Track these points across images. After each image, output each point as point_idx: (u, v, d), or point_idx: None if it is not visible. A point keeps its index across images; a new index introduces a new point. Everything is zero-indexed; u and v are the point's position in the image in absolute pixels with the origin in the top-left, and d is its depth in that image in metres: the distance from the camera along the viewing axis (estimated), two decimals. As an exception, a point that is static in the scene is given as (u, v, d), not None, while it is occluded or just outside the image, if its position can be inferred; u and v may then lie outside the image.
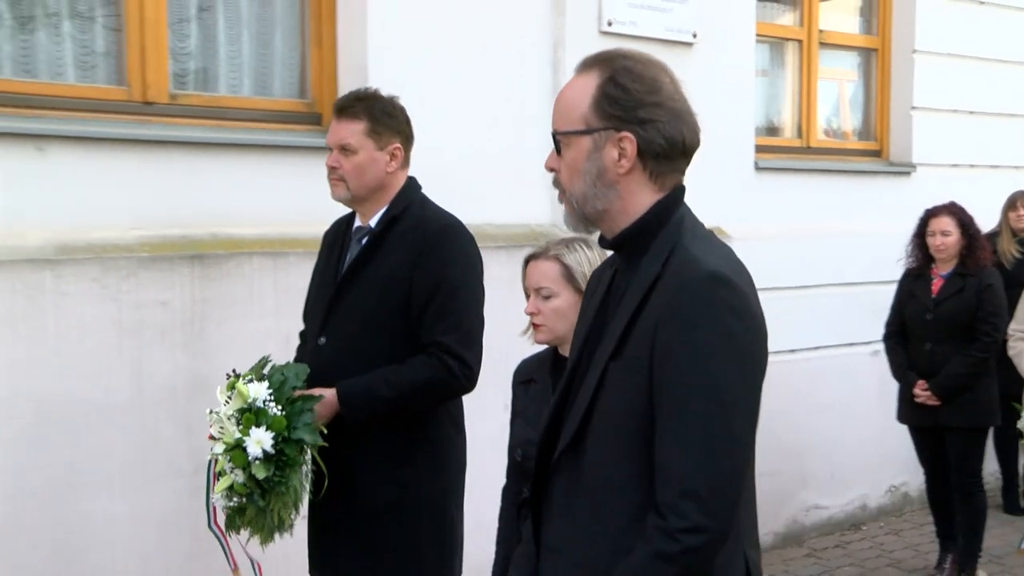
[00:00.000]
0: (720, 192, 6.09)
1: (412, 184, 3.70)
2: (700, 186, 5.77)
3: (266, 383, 3.27)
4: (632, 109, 2.21)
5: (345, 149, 3.50)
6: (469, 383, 3.47)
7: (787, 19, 7.18)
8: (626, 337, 2.18)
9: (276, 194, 4.59)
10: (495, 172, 5.29)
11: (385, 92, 3.96)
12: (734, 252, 2.28)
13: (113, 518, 4.05)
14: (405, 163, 3.67)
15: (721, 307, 2.11)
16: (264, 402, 3.21)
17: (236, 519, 3.34)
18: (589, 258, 3.04)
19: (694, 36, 5.95)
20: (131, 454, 4.10)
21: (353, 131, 3.51)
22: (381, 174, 3.55)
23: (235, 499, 3.27)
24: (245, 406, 3.21)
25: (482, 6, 5.21)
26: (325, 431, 3.30)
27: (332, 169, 3.53)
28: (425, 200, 3.72)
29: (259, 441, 3.13)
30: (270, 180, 4.58)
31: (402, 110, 3.68)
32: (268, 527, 3.27)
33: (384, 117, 3.57)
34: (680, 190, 2.31)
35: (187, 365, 4.26)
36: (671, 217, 2.27)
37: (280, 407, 3.23)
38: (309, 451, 3.27)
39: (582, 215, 2.29)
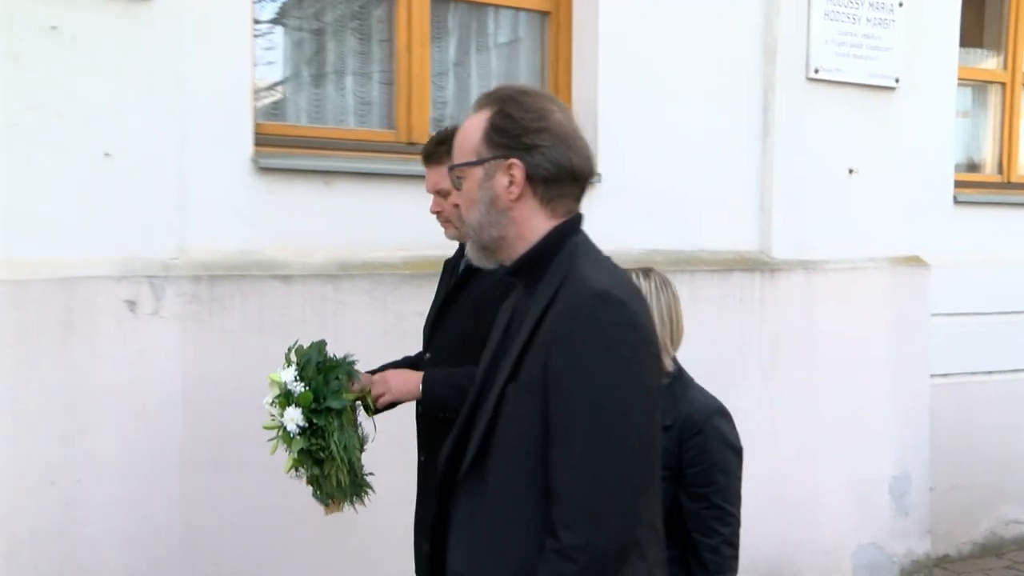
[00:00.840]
0: (921, 224, 6.07)
1: None
2: (902, 218, 5.85)
3: (292, 366, 3.21)
4: (518, 136, 2.12)
5: (440, 193, 3.37)
6: None
7: (991, 63, 7.04)
8: (521, 359, 2.07)
9: None
10: (708, 203, 5.36)
11: (582, 129, 4.10)
12: (626, 275, 2.19)
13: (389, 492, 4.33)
14: None
15: (605, 325, 1.99)
16: (292, 382, 3.15)
17: (317, 493, 3.27)
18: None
19: (897, 81, 5.88)
20: (394, 439, 4.35)
21: (443, 174, 3.21)
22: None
23: (303, 473, 3.20)
24: (280, 392, 3.16)
25: (701, 56, 5.29)
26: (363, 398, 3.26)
27: (437, 214, 3.43)
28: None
29: (292, 419, 3.09)
30: None
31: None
32: (339, 494, 3.22)
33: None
34: (576, 217, 2.20)
35: None
36: (566, 242, 2.15)
37: (305, 384, 3.16)
38: (343, 416, 3.18)
39: (480, 244, 2.21)
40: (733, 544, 2.72)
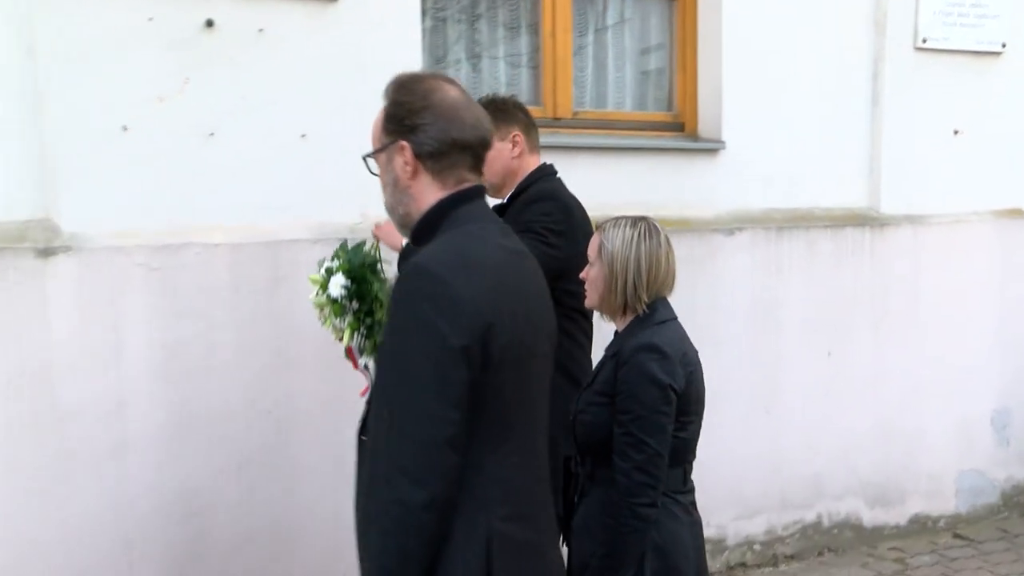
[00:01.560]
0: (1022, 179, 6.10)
1: (544, 168, 3.55)
2: (1004, 174, 5.88)
3: (324, 263, 3.26)
4: (403, 119, 2.11)
5: None
6: None
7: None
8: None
9: (650, 184, 4.90)
10: (821, 166, 5.47)
11: (708, 101, 4.39)
12: (477, 247, 2.06)
13: None
14: (531, 149, 3.53)
15: (416, 295, 1.97)
16: (326, 266, 3.23)
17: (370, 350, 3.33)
18: (624, 236, 2.85)
19: (1003, 46, 5.88)
20: None
21: None
22: (507, 160, 3.46)
23: (360, 339, 3.27)
24: (320, 280, 3.23)
25: (815, 31, 5.38)
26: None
27: None
28: (554, 180, 3.54)
29: (336, 284, 3.16)
30: (645, 174, 4.90)
31: (515, 104, 3.55)
32: None
33: (497, 112, 3.37)
34: (465, 189, 2.14)
35: None
36: (451, 213, 2.12)
37: (335, 258, 3.26)
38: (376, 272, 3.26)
39: (397, 223, 2.23)
40: (646, 471, 2.60)
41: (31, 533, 3.63)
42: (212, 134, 3.92)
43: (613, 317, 2.86)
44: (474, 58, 4.89)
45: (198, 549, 3.95)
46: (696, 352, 2.87)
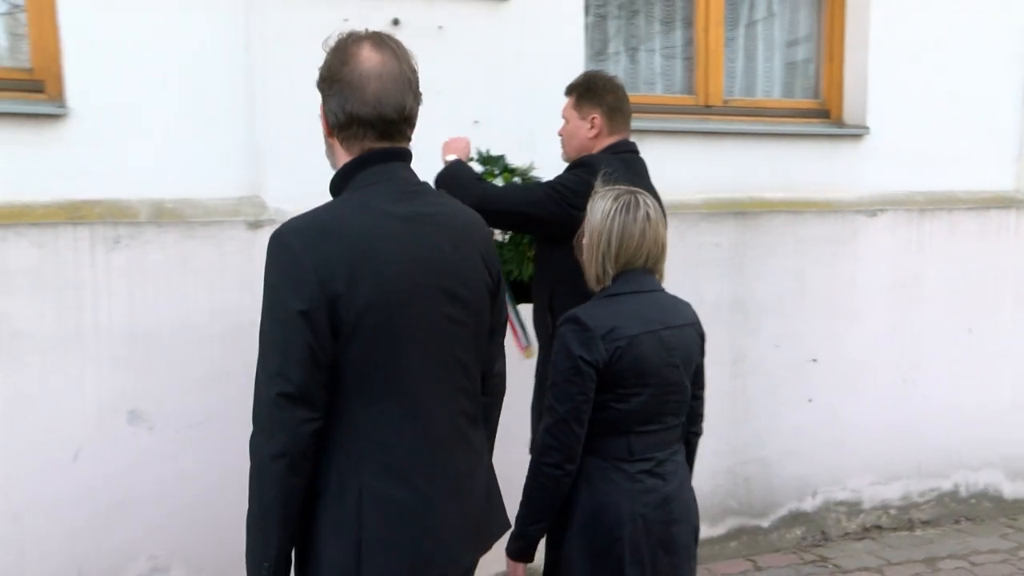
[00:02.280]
0: None
1: (612, 147, 3.36)
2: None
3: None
4: (321, 88, 2.08)
5: (563, 119, 3.45)
6: None
7: None
8: None
9: (795, 169, 4.86)
10: (966, 150, 5.32)
11: (853, 89, 4.29)
12: (345, 214, 1.99)
13: None
14: (611, 131, 3.37)
15: (270, 260, 1.94)
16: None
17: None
18: (603, 208, 2.60)
19: None
20: None
21: (567, 105, 3.43)
22: (584, 138, 3.38)
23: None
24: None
25: (960, 21, 5.22)
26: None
27: (560, 136, 3.47)
28: (609, 157, 3.28)
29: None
30: (792, 159, 4.86)
31: (607, 87, 3.38)
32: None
33: (586, 92, 3.37)
34: (367, 154, 2.04)
35: (730, 288, 4.70)
36: (353, 177, 2.05)
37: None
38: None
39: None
40: (552, 435, 2.47)
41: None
42: (395, 120, 4.04)
43: (592, 286, 2.64)
44: (631, 50, 4.91)
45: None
46: (658, 327, 2.54)
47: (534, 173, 3.61)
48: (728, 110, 4.91)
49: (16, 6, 3.76)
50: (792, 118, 5.06)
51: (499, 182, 3.46)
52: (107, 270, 3.64)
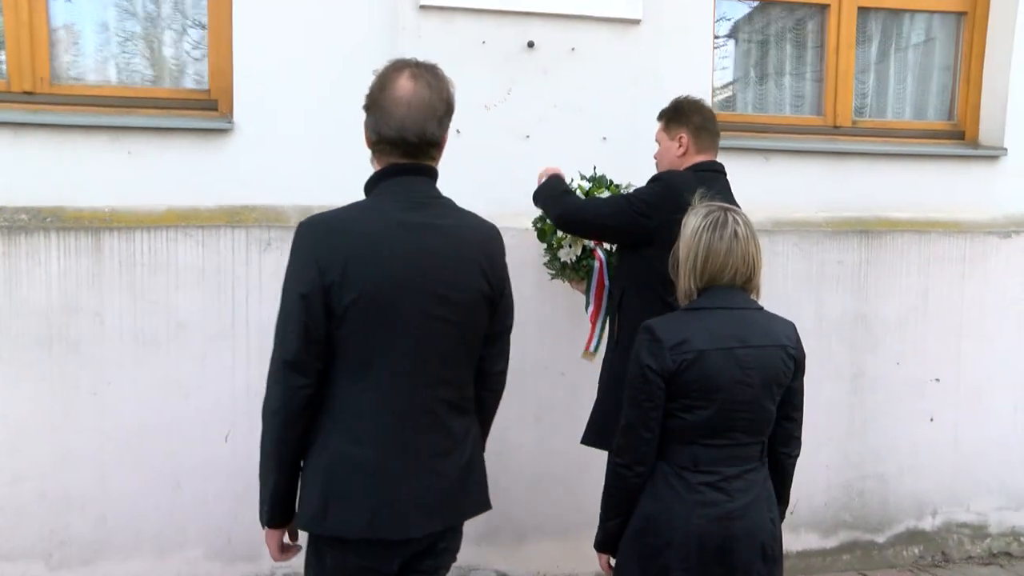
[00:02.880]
0: None
1: (696, 165, 3.27)
2: None
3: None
4: (364, 108, 2.24)
5: (656, 143, 3.44)
6: None
7: None
8: None
9: (923, 189, 4.63)
10: None
11: (991, 110, 4.13)
12: (356, 216, 2.17)
13: None
14: (698, 150, 3.29)
15: (292, 245, 2.16)
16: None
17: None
18: (693, 224, 2.53)
19: None
20: (812, 360, 4.19)
21: (658, 129, 3.43)
22: (672, 157, 3.33)
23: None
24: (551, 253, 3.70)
25: None
26: None
27: (655, 160, 3.47)
28: (691, 174, 3.20)
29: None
30: (920, 179, 4.63)
31: (693, 108, 3.32)
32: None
33: (674, 115, 3.35)
34: (388, 167, 2.22)
35: (852, 305, 4.50)
36: (377, 185, 2.23)
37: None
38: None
39: None
40: (624, 436, 2.46)
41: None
42: (528, 136, 4.08)
43: (680, 301, 2.57)
44: (761, 72, 4.78)
45: (503, 483, 4.15)
46: (734, 345, 2.42)
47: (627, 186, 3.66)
48: (857, 131, 4.71)
49: (199, 24, 3.98)
50: (923, 139, 4.81)
51: (606, 195, 3.52)
52: (259, 270, 3.81)
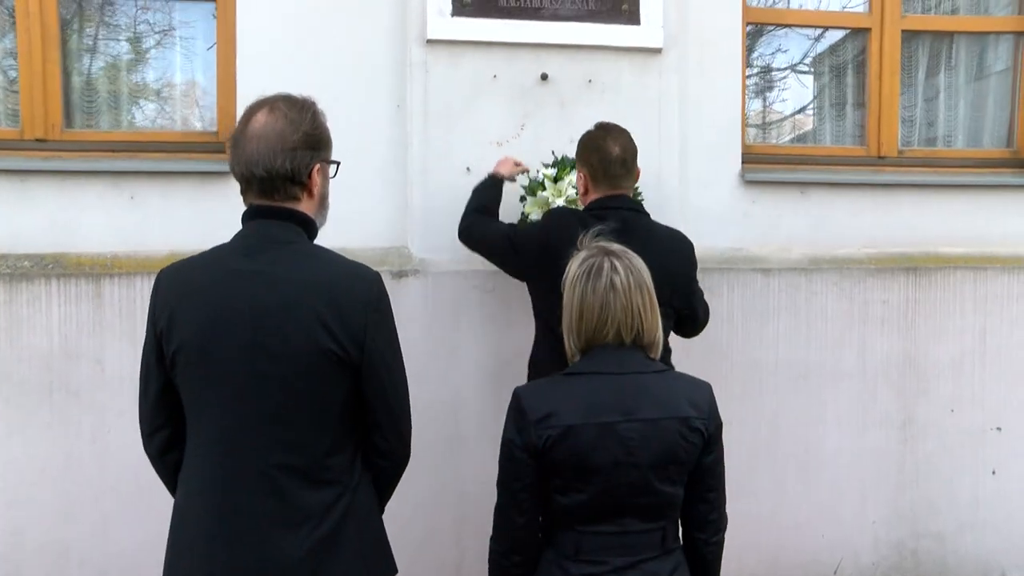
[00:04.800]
0: None
1: (590, 204, 3.02)
2: None
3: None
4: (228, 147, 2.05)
5: None
6: None
7: None
8: None
9: (978, 222, 4.17)
10: None
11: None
12: (197, 264, 2.02)
13: (839, 450, 4.02)
14: (595, 187, 2.99)
15: None
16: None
17: None
18: (572, 271, 2.15)
19: None
20: (855, 405, 4.03)
21: None
22: (583, 199, 3.08)
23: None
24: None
25: None
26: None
27: None
28: (565, 212, 3.09)
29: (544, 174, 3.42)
30: (974, 211, 4.17)
31: (586, 144, 3.03)
32: None
33: (577, 152, 3.10)
34: (247, 209, 2.03)
35: (900, 347, 4.06)
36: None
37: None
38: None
39: None
40: (496, 516, 2.14)
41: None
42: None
43: (569, 361, 2.16)
44: (798, 100, 4.42)
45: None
46: (615, 418, 2.02)
47: None
48: (903, 161, 4.24)
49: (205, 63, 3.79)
50: (976, 168, 4.30)
51: (573, 177, 3.33)
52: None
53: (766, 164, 4.06)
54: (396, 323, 2.09)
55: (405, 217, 3.72)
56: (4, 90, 3.73)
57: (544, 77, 3.73)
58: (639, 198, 3.47)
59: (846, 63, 4.36)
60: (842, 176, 4.10)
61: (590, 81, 3.79)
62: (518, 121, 3.74)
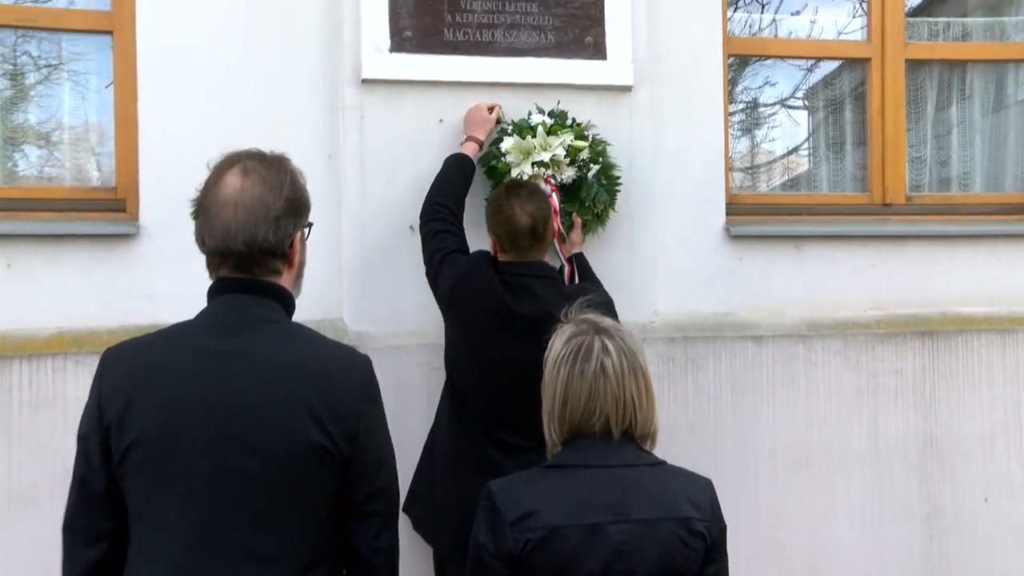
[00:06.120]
0: None
1: (501, 268, 2.92)
2: None
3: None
4: (191, 214, 1.85)
5: None
6: None
7: None
8: None
9: (1002, 277, 3.79)
10: None
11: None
12: (155, 345, 1.80)
13: (853, 547, 3.59)
14: (503, 251, 2.87)
15: None
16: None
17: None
18: (555, 350, 1.95)
19: None
20: (870, 494, 3.61)
21: None
22: None
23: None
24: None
25: None
26: None
27: None
28: (482, 263, 2.96)
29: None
30: (997, 265, 3.79)
31: (490, 209, 2.95)
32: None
33: (487, 218, 3.05)
34: (214, 283, 1.83)
35: (918, 425, 3.64)
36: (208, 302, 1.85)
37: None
38: None
39: None
40: None
41: None
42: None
43: (548, 452, 1.97)
44: (789, 142, 4.11)
45: None
46: (604, 519, 1.80)
47: (594, 131, 3.29)
48: (912, 208, 3.86)
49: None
50: (998, 215, 3.91)
51: (568, 137, 3.18)
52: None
53: (754, 215, 3.69)
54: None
55: (339, 284, 3.31)
56: None
57: (498, 121, 3.34)
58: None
59: (844, 96, 4.07)
60: (842, 227, 3.75)
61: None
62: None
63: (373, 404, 1.84)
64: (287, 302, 1.88)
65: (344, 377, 1.82)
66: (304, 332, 1.87)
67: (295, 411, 1.74)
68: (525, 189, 2.88)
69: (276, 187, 1.82)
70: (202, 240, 1.81)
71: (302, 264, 1.93)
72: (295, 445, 1.74)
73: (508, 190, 2.89)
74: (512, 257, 2.84)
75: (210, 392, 1.73)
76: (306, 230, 1.91)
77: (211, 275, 1.85)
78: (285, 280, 1.87)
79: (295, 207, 1.85)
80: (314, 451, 1.75)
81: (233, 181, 1.80)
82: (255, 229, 1.78)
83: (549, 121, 3.21)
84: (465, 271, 2.84)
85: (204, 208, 1.81)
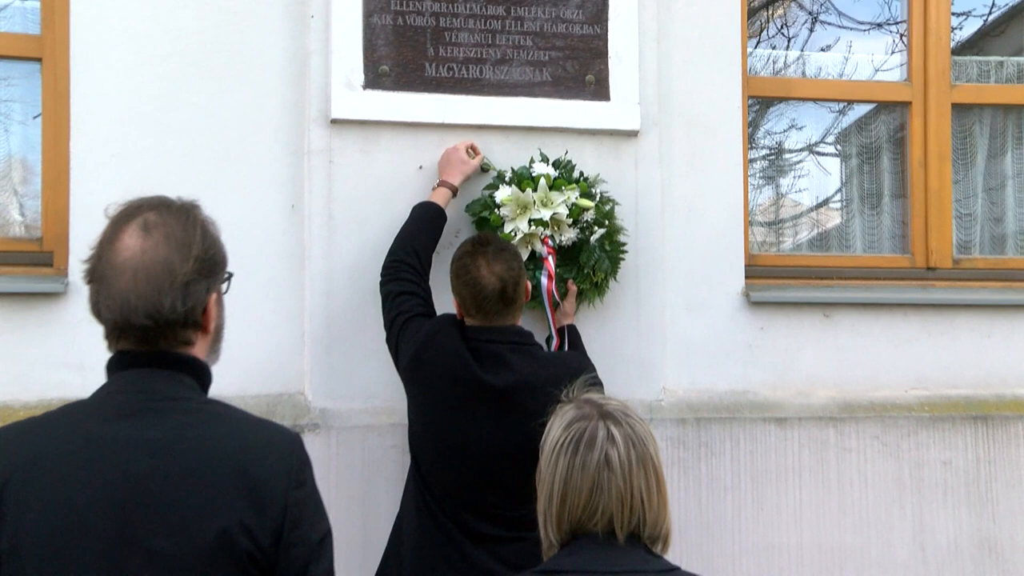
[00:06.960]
0: None
1: (468, 331, 2.76)
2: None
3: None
4: (86, 266, 1.68)
5: None
6: None
7: None
8: None
9: None
10: None
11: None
12: (39, 428, 1.58)
13: None
14: (466, 313, 2.65)
15: None
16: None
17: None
18: (553, 436, 1.78)
19: None
20: None
21: None
22: None
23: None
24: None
25: None
26: None
27: None
28: (450, 329, 2.80)
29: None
30: None
31: (454, 270, 2.72)
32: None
33: (451, 278, 2.90)
34: (112, 358, 1.65)
35: (972, 525, 3.32)
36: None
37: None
38: None
39: None
40: None
41: None
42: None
43: (543, 551, 1.82)
44: (818, 196, 3.84)
45: None
46: None
47: (603, 187, 3.08)
48: (961, 273, 3.61)
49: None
50: None
51: (574, 194, 2.96)
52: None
53: (777, 279, 3.48)
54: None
55: (300, 354, 3.11)
56: None
57: (485, 169, 3.10)
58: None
59: (881, 141, 3.83)
60: (879, 294, 3.50)
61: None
62: (452, 226, 3.05)
63: (302, 489, 1.65)
64: (201, 375, 1.70)
65: (267, 462, 1.63)
66: (221, 410, 1.70)
67: (207, 508, 1.57)
68: (493, 246, 2.65)
69: (183, 245, 1.64)
70: (98, 311, 1.64)
71: (220, 327, 1.77)
72: (205, 550, 1.56)
73: (474, 246, 2.66)
74: (479, 322, 2.63)
75: (104, 487, 1.55)
76: (224, 286, 1.75)
77: (109, 347, 1.68)
78: (199, 349, 1.70)
79: (207, 267, 1.66)
80: (232, 555, 1.58)
81: (131, 242, 1.62)
82: (159, 299, 1.60)
83: (553, 173, 3.01)
84: (427, 337, 2.65)
85: (98, 274, 1.63)
